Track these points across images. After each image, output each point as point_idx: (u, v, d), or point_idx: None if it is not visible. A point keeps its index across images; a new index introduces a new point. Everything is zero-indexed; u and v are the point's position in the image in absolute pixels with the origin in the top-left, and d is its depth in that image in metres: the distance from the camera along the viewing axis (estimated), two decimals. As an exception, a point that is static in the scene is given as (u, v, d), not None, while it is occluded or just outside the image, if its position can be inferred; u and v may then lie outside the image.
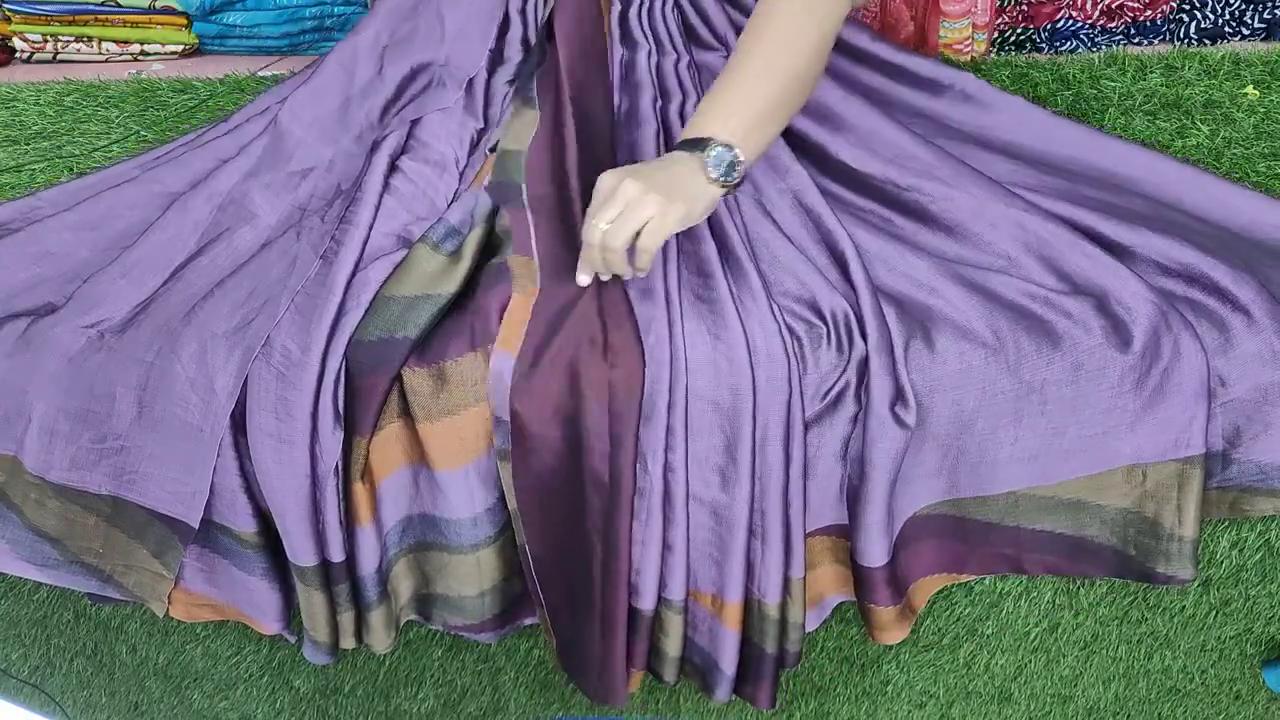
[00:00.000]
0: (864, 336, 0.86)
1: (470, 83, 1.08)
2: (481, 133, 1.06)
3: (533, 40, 1.11)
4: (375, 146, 1.03)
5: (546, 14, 1.08)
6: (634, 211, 0.81)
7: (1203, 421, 0.87)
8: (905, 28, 1.30)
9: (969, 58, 1.29)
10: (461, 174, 1.03)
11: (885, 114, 1.05)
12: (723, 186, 0.85)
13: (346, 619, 0.95)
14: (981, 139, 1.07)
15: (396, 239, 0.96)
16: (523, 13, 1.12)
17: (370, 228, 0.95)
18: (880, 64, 1.14)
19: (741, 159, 0.85)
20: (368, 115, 1.09)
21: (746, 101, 0.87)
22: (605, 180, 0.84)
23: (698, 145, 0.85)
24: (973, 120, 1.10)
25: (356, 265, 0.92)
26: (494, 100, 1.09)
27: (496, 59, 1.11)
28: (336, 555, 0.91)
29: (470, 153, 1.05)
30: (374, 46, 1.12)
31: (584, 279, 0.87)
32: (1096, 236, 0.94)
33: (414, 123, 1.05)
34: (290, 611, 0.99)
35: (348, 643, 0.97)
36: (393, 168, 1.01)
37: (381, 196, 0.98)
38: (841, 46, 1.12)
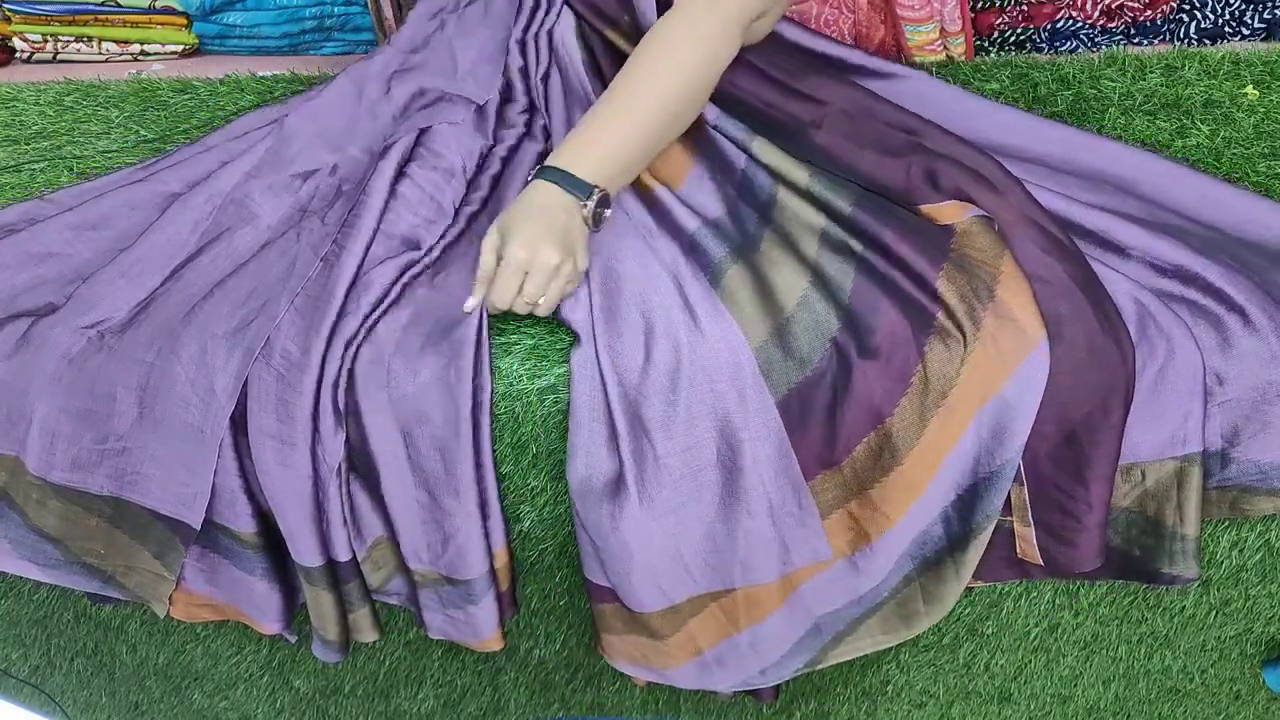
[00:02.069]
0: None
1: (482, 106, 1.09)
2: (491, 149, 1.06)
3: (531, 69, 1.10)
4: (384, 152, 1.03)
5: (543, 70, 1.10)
6: (540, 274, 0.86)
7: (1199, 418, 0.87)
8: (877, 33, 1.30)
9: (942, 55, 1.29)
10: (469, 182, 1.03)
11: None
12: (594, 228, 0.91)
13: (361, 615, 0.96)
14: (976, 142, 1.07)
15: (402, 240, 0.96)
16: (521, 43, 1.12)
17: (374, 231, 0.95)
18: (868, 73, 1.14)
19: (610, 207, 0.91)
20: (376, 125, 1.09)
21: (623, 142, 0.91)
22: (499, 247, 0.87)
23: (574, 186, 0.88)
24: (962, 124, 1.09)
25: (359, 268, 0.92)
26: (507, 122, 1.09)
27: (509, 90, 1.12)
28: (343, 554, 0.91)
29: (479, 164, 1.05)
30: (384, 71, 1.14)
31: (472, 303, 0.89)
32: (1091, 236, 0.94)
33: (423, 132, 1.05)
34: (290, 611, 0.99)
35: (369, 636, 0.97)
36: (400, 174, 1.01)
37: (387, 201, 0.98)
38: (823, 58, 1.13)
